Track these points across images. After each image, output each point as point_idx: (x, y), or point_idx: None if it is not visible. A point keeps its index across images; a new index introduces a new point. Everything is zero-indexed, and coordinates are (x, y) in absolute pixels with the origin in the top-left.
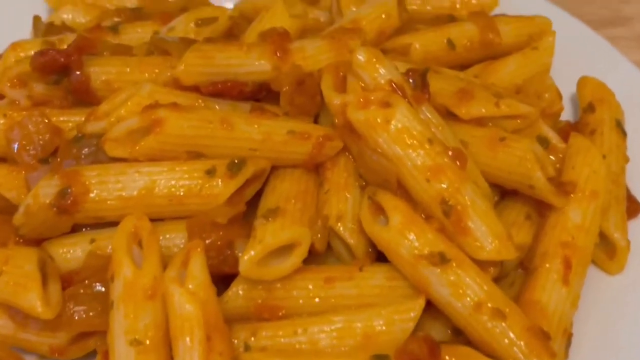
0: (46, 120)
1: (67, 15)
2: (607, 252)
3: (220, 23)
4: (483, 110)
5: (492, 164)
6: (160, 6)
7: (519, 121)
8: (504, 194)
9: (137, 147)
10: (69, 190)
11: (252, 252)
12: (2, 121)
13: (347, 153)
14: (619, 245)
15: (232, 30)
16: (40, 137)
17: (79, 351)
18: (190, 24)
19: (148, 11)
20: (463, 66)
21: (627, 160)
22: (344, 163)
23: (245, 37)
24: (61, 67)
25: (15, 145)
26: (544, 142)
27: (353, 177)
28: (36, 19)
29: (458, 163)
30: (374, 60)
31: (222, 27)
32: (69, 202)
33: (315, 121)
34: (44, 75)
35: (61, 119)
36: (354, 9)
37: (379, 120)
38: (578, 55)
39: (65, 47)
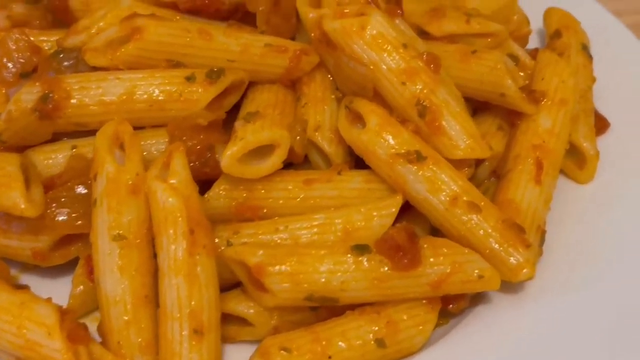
0: (26, 39)
1: None
2: (578, 163)
3: None
4: (454, 27)
5: (465, 76)
6: None
7: (489, 40)
8: (476, 109)
9: (118, 54)
10: (51, 95)
11: (234, 149)
12: None
13: (323, 69)
14: (588, 154)
15: None
16: (20, 54)
17: (61, 258)
18: None
19: None
20: None
21: (594, 80)
22: (320, 79)
23: None
24: None
25: None
26: (514, 59)
27: (330, 91)
28: None
29: (432, 67)
30: None
31: None
32: (51, 106)
33: None
34: None
35: (41, 38)
36: None
37: (354, 27)
38: None
39: None
